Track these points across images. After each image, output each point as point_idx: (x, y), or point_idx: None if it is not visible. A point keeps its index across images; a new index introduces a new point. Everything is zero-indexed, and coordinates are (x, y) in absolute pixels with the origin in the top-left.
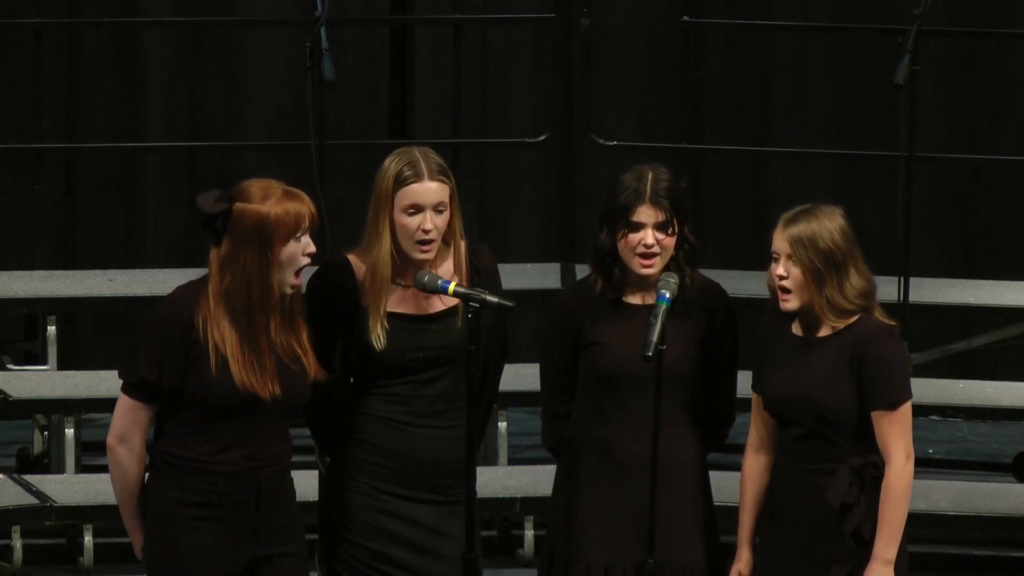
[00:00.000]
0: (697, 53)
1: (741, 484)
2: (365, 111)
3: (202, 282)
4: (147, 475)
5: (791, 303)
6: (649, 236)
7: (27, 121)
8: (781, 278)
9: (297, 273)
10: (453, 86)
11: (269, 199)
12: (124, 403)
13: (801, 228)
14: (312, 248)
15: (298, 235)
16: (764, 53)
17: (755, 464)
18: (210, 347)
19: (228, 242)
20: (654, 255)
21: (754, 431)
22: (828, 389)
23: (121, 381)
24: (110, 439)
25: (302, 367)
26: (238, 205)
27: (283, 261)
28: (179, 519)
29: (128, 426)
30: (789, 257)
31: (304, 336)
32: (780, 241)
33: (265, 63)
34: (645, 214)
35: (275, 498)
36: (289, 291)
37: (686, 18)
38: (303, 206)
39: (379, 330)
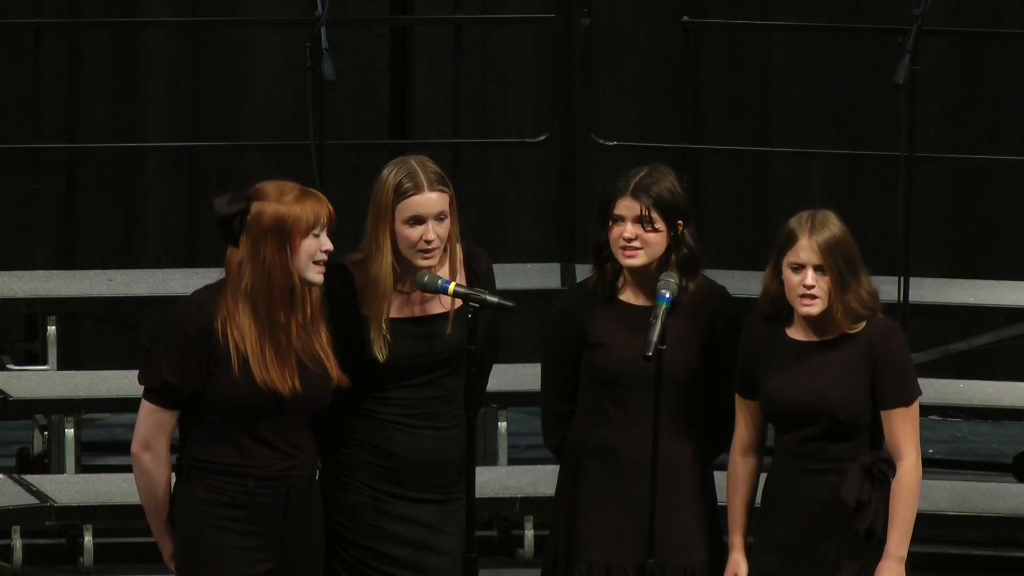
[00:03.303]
0: (697, 53)
1: (730, 487)
2: (365, 111)
3: (218, 286)
4: (174, 483)
5: (816, 307)
6: (627, 229)
7: (27, 121)
8: (808, 288)
9: (319, 263)
10: (453, 86)
11: (286, 196)
12: (146, 409)
13: (826, 235)
14: (329, 245)
15: (316, 231)
16: (764, 53)
17: (744, 467)
18: (231, 347)
19: (247, 241)
20: (636, 248)
21: (741, 434)
22: (846, 391)
23: (141, 387)
24: (134, 447)
25: (324, 371)
26: (256, 204)
27: (302, 255)
28: (207, 519)
29: (152, 432)
30: (817, 267)
31: (325, 340)
32: (808, 252)
33: (265, 63)
34: (624, 207)
35: (304, 505)
36: (317, 278)
37: (686, 18)
38: (320, 204)
39: (380, 341)
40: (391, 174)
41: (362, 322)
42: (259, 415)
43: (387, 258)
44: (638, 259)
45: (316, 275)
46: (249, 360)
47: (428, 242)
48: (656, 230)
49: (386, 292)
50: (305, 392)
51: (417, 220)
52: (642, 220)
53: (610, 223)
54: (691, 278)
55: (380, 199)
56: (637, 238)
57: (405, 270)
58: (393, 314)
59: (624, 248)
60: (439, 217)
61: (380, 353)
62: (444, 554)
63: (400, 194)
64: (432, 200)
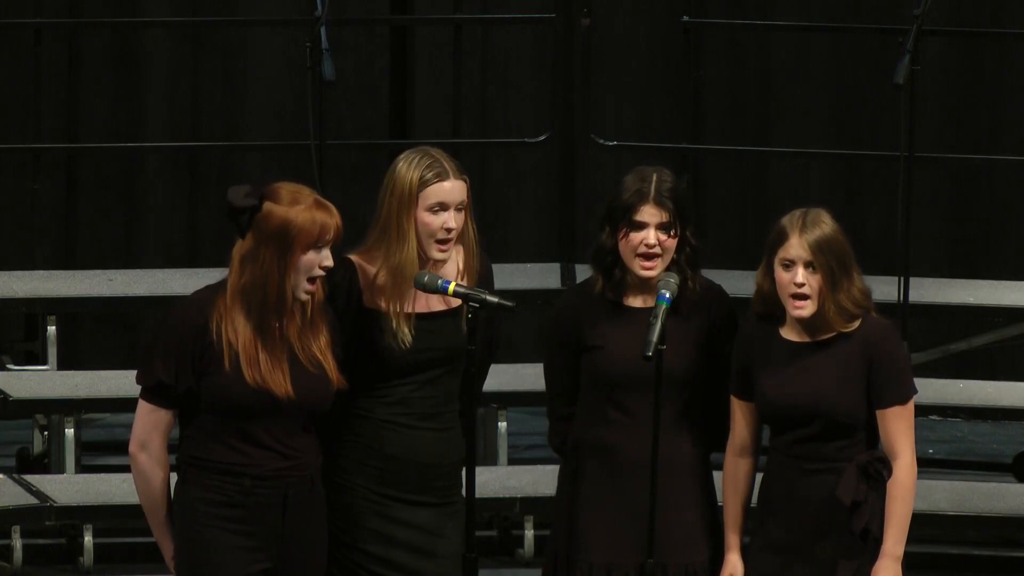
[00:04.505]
0: (697, 53)
1: (726, 488)
2: (365, 111)
3: (219, 285)
4: (174, 483)
5: (807, 309)
6: (651, 236)
7: (27, 121)
8: (799, 285)
9: (312, 281)
10: (453, 86)
11: (298, 205)
12: (142, 408)
13: (816, 233)
14: (329, 262)
15: (319, 246)
16: (764, 53)
17: (740, 468)
18: (224, 344)
19: (251, 239)
20: (655, 256)
21: (738, 434)
22: (842, 392)
23: (139, 387)
24: (132, 447)
25: (323, 372)
26: (267, 204)
27: (299, 268)
28: (205, 518)
29: (148, 432)
30: (807, 264)
31: (324, 342)
32: (798, 249)
33: (265, 63)
34: (648, 214)
35: (303, 506)
36: (303, 296)
37: (686, 18)
38: (330, 218)
39: (404, 329)
40: (412, 163)
41: (367, 315)
42: (253, 415)
43: (412, 247)
44: (656, 270)
45: (304, 293)
46: (240, 359)
47: (448, 230)
48: (675, 235)
49: (411, 281)
50: (300, 394)
51: (441, 207)
52: (667, 226)
53: (625, 230)
54: (694, 278)
55: (402, 187)
56: (658, 244)
57: (420, 262)
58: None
59: (643, 257)
60: (459, 207)
61: (403, 343)
62: (442, 558)
63: (425, 182)
64: (456, 188)
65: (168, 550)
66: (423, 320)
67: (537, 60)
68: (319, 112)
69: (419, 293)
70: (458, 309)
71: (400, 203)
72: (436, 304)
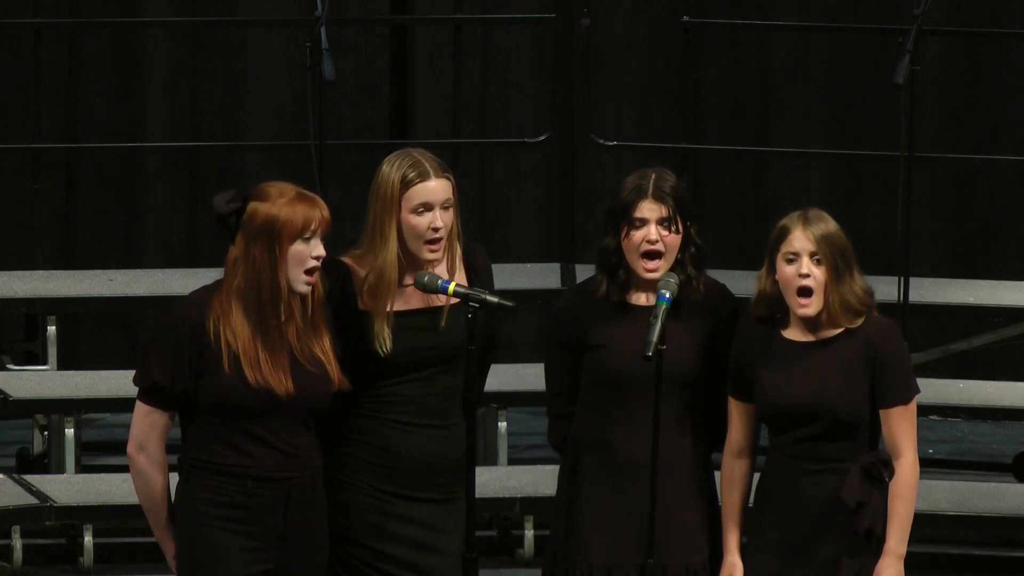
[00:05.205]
0: (697, 53)
1: (724, 489)
2: (365, 111)
3: (216, 285)
4: (176, 482)
5: (811, 307)
6: (652, 231)
7: (27, 121)
8: (804, 276)
9: (311, 272)
10: (453, 86)
11: (281, 199)
12: (140, 410)
13: (820, 227)
14: (320, 251)
15: (306, 236)
16: (764, 53)
17: (737, 468)
18: (222, 345)
19: (241, 240)
20: (658, 255)
21: (735, 436)
22: (846, 390)
23: (136, 388)
24: (130, 448)
25: (324, 372)
26: (251, 204)
27: (290, 260)
28: (206, 519)
29: (146, 433)
30: (812, 255)
31: (326, 343)
32: (802, 241)
33: (265, 63)
34: (647, 209)
35: (305, 506)
36: (303, 288)
37: (686, 18)
38: (314, 209)
39: (385, 332)
40: (394, 165)
41: (361, 316)
42: (254, 415)
43: (393, 249)
44: (660, 271)
45: (303, 285)
46: (241, 360)
47: (436, 230)
48: (677, 232)
49: (391, 284)
50: (301, 392)
51: (426, 207)
52: (667, 222)
53: (626, 229)
54: (699, 277)
55: (385, 190)
56: (660, 240)
57: (410, 263)
58: (399, 307)
59: (646, 256)
60: (445, 205)
61: (383, 347)
62: (445, 554)
63: (407, 183)
64: (439, 187)
65: (169, 550)
66: (412, 319)
67: (537, 60)
68: (319, 112)
69: (406, 293)
70: (444, 308)
71: (383, 206)
72: (424, 303)
